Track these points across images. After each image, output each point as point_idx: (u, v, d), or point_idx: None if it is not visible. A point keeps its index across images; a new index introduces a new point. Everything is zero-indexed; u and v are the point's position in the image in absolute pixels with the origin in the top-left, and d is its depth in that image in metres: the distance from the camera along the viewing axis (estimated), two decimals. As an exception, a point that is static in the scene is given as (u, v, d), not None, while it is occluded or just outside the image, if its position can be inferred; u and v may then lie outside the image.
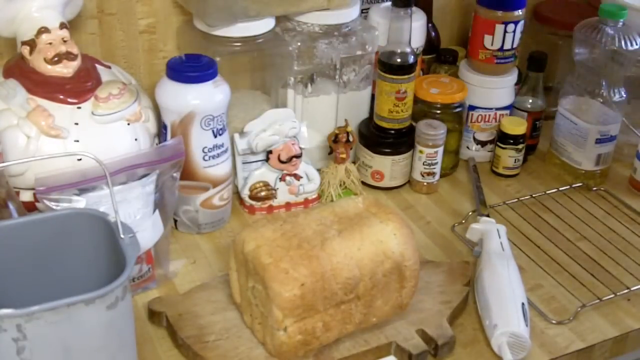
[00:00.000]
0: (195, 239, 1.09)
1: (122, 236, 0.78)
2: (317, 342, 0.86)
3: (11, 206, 0.89)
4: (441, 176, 1.24)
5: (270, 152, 1.13)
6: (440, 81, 1.25)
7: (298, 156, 1.14)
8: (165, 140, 1.03)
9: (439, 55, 1.37)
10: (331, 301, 0.84)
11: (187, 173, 1.04)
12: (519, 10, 1.23)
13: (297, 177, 1.15)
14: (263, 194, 1.14)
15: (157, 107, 1.04)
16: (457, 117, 1.24)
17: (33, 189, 0.91)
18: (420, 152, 1.19)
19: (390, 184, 1.23)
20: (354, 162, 1.23)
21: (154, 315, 0.93)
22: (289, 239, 0.84)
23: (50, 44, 0.96)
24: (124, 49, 1.16)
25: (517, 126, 1.25)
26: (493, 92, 1.27)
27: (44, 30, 0.96)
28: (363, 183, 1.22)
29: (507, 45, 1.25)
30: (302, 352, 0.86)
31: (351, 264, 0.84)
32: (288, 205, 1.17)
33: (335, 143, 1.18)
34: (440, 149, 1.20)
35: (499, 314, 0.91)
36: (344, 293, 0.84)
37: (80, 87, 0.97)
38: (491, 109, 1.28)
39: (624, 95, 1.23)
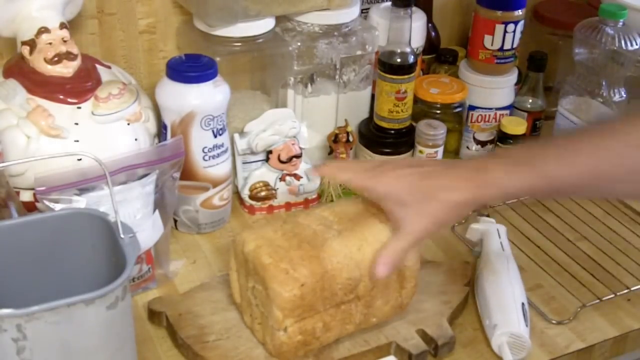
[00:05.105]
0: (195, 239, 1.09)
1: (122, 236, 0.78)
2: (317, 343, 0.86)
3: (11, 206, 0.88)
4: (441, 176, 1.24)
5: (270, 152, 1.12)
6: (440, 81, 1.25)
7: (298, 156, 1.13)
8: (165, 140, 1.03)
9: (439, 55, 1.37)
10: (331, 301, 0.84)
11: (187, 173, 1.04)
12: (519, 10, 1.23)
13: (297, 177, 1.15)
14: (263, 194, 1.14)
15: (157, 107, 1.04)
16: (457, 117, 1.24)
17: (33, 189, 0.91)
18: (420, 152, 1.19)
19: (390, 184, 1.22)
20: (354, 162, 1.23)
21: (154, 315, 0.93)
22: (289, 239, 0.84)
23: (50, 44, 0.96)
24: (124, 49, 1.16)
25: (517, 126, 1.25)
26: (493, 92, 1.27)
27: (44, 30, 0.96)
28: (363, 183, 1.22)
29: (507, 45, 1.25)
30: (302, 352, 0.86)
31: (351, 265, 0.84)
32: (288, 205, 1.16)
33: (335, 143, 1.18)
34: (440, 149, 1.20)
35: (499, 314, 0.91)
36: (344, 293, 0.84)
37: (80, 87, 0.97)
38: (491, 109, 1.28)
39: (624, 95, 1.23)
